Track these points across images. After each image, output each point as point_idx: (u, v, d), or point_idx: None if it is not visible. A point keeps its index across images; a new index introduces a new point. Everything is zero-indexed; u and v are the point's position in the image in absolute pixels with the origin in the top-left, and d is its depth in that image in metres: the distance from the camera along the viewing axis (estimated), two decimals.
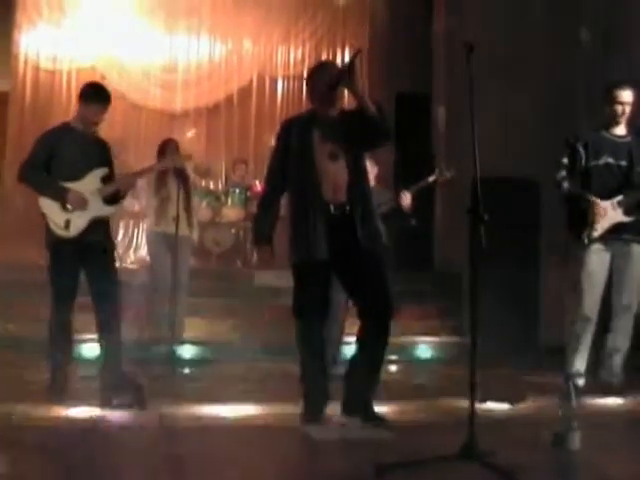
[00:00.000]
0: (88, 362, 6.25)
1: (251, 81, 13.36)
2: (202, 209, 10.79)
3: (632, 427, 5.42)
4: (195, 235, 8.84)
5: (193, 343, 8.30)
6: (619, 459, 4.40)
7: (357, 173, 5.28)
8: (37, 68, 12.61)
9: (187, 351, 8.04)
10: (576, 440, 4.21)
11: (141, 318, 8.48)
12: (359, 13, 13.22)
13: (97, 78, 12.20)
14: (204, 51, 13.23)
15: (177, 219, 7.74)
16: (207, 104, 13.20)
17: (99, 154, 6.14)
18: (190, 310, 8.49)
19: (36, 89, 12.58)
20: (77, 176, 5.94)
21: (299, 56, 13.37)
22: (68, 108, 12.07)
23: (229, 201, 11.60)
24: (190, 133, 12.99)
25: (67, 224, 5.88)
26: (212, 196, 11.66)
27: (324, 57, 13.19)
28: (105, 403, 5.65)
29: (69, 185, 5.89)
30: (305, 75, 5.56)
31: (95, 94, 6.06)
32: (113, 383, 5.82)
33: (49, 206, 5.90)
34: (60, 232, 5.89)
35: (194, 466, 4.20)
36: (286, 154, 5.34)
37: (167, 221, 8.06)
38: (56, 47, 12.63)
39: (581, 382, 6.18)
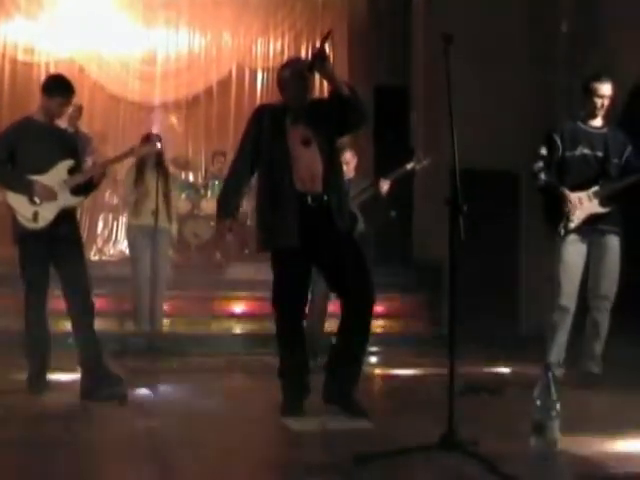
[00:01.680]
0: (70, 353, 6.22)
1: (230, 73, 13.33)
2: (181, 201, 10.77)
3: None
4: (174, 228, 8.83)
5: (172, 335, 8.31)
6: None
7: (331, 160, 5.26)
8: (15, 61, 12.52)
9: (166, 343, 8.03)
10: (555, 429, 4.23)
11: (121, 311, 8.48)
12: (338, 5, 13.18)
13: (75, 70, 12.20)
14: (183, 43, 13.19)
15: (156, 212, 7.74)
16: (186, 96, 13.17)
17: (64, 146, 6.12)
18: (169, 302, 8.50)
19: (14, 81, 12.49)
20: (43, 169, 5.92)
21: (278, 48, 13.34)
22: None
23: (208, 193, 11.57)
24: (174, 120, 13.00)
25: (35, 216, 5.87)
26: (191, 188, 11.65)
27: (303, 49, 13.21)
28: (86, 395, 5.65)
29: (36, 178, 5.89)
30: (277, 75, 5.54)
31: (58, 87, 6.04)
32: (93, 375, 5.81)
33: (16, 199, 5.89)
34: (28, 224, 5.88)
35: (173, 457, 4.21)
36: (258, 138, 5.29)
37: (146, 214, 8.06)
38: (34, 39, 12.53)
39: (559, 371, 6.22)
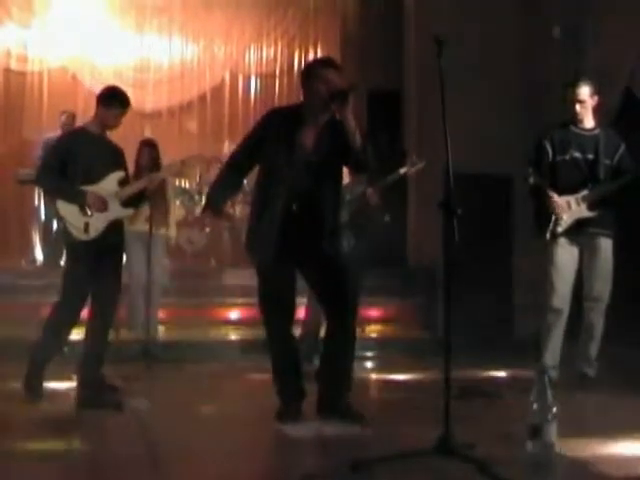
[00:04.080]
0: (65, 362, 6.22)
1: (223, 80, 13.33)
2: (176, 208, 10.75)
3: None
4: (172, 234, 8.81)
5: (167, 342, 8.30)
6: None
7: (332, 180, 5.25)
8: (8, 70, 12.51)
9: (161, 350, 8.01)
10: (552, 432, 4.23)
11: (116, 317, 8.45)
12: (330, 10, 13.20)
13: (68, 78, 12.24)
14: (176, 50, 13.20)
15: (150, 218, 7.73)
16: (180, 103, 13.16)
17: (115, 157, 6.21)
18: (164, 309, 8.49)
19: (7, 91, 12.48)
20: (94, 179, 5.99)
21: (271, 54, 13.35)
22: (40, 109, 12.05)
23: (203, 200, 11.55)
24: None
25: (86, 227, 5.93)
26: (186, 195, 11.63)
27: (296, 55, 13.23)
28: (81, 404, 5.64)
29: (88, 188, 5.94)
30: (303, 67, 5.48)
31: (115, 98, 6.10)
32: (90, 384, 5.81)
33: (68, 210, 5.94)
34: (80, 235, 5.91)
35: (170, 464, 4.20)
36: (261, 143, 5.24)
37: (141, 220, 8.04)
38: (26, 48, 12.53)
39: (555, 374, 6.22)
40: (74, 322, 6.03)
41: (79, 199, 5.91)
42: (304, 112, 5.23)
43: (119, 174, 6.13)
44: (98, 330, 5.97)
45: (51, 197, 6.06)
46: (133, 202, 6.29)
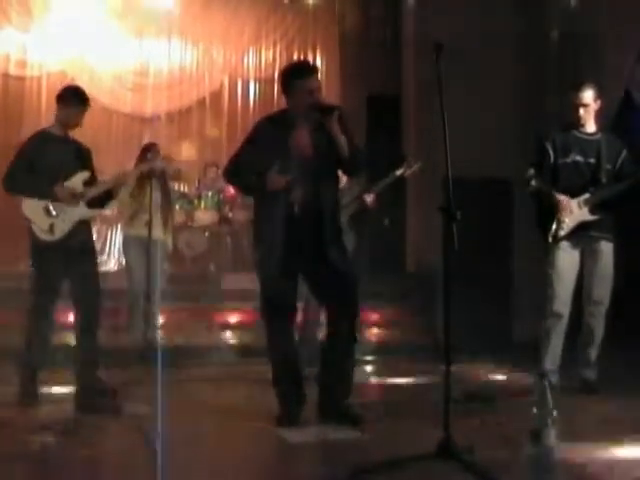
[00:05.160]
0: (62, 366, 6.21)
1: (222, 84, 13.33)
2: (175, 212, 10.76)
3: None
4: (169, 239, 8.81)
5: (167, 346, 8.28)
6: None
7: (330, 179, 5.26)
8: (7, 75, 12.50)
9: (161, 354, 8.00)
10: (552, 437, 4.23)
11: (116, 322, 8.45)
12: (329, 14, 13.19)
13: (68, 82, 12.17)
14: (175, 54, 13.17)
15: (150, 223, 7.73)
16: (179, 107, 13.16)
17: (80, 158, 6.17)
18: (163, 313, 8.49)
19: (6, 95, 12.47)
20: (59, 180, 5.95)
21: (270, 58, 13.33)
22: (39, 114, 12.02)
23: (202, 204, 11.56)
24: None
25: (51, 228, 5.91)
26: (185, 199, 11.63)
27: (295, 59, 13.20)
28: (80, 408, 5.63)
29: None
30: (280, 73, 5.47)
31: (74, 96, 6.09)
32: (88, 388, 5.80)
33: (33, 210, 5.92)
34: (44, 236, 5.90)
35: (169, 468, 4.19)
36: (256, 152, 5.23)
37: (141, 225, 8.04)
38: (25, 52, 12.52)
39: (555, 378, 6.21)
40: (50, 323, 6.02)
41: (47, 194, 5.88)
42: (293, 116, 5.25)
43: (84, 174, 6.09)
44: (85, 335, 5.96)
45: (23, 197, 5.99)
46: (99, 203, 6.24)
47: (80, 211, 6.02)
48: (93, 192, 6.10)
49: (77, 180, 6.04)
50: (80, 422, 5.43)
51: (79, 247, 6.00)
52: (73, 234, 5.97)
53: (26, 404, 5.78)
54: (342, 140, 5.09)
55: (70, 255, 5.92)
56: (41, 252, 5.95)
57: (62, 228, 5.93)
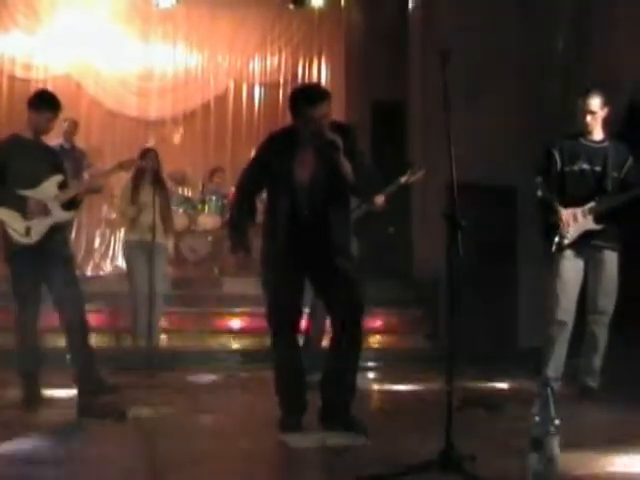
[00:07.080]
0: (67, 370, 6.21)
1: (227, 88, 13.33)
2: (178, 216, 10.75)
3: None
4: (170, 243, 8.82)
5: (169, 351, 8.29)
6: None
7: (339, 193, 5.23)
8: (13, 77, 12.51)
9: (163, 359, 8.00)
10: (555, 446, 4.20)
11: (118, 326, 8.46)
12: (335, 20, 13.19)
13: (72, 86, 12.23)
14: (180, 58, 13.18)
15: (153, 227, 7.74)
16: (183, 111, 13.15)
17: (52, 161, 6.20)
18: (166, 317, 8.49)
19: (11, 98, 12.46)
20: (33, 184, 5.97)
21: (275, 63, 13.35)
22: None
23: (206, 209, 11.56)
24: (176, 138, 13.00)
25: (28, 231, 5.91)
26: (188, 203, 11.62)
27: (300, 65, 13.23)
28: (83, 412, 5.63)
29: (27, 193, 5.92)
30: (291, 95, 5.37)
31: (44, 101, 6.10)
32: (89, 390, 5.80)
33: (9, 214, 5.91)
34: (21, 239, 5.90)
35: (171, 474, 4.18)
36: (265, 168, 5.24)
37: (143, 229, 8.05)
38: (31, 55, 12.53)
39: (558, 386, 6.20)
40: (35, 324, 6.01)
41: (19, 205, 5.89)
42: (299, 133, 5.21)
43: (58, 177, 6.11)
44: (75, 340, 5.98)
45: None
46: (72, 205, 6.24)
47: (56, 214, 6.04)
48: (68, 195, 6.12)
49: (52, 183, 6.06)
50: (82, 425, 5.42)
51: (55, 250, 6.01)
52: (50, 237, 5.98)
53: (29, 410, 5.76)
54: (347, 167, 5.03)
55: (46, 258, 5.94)
56: (18, 255, 5.95)
57: (39, 230, 5.94)
